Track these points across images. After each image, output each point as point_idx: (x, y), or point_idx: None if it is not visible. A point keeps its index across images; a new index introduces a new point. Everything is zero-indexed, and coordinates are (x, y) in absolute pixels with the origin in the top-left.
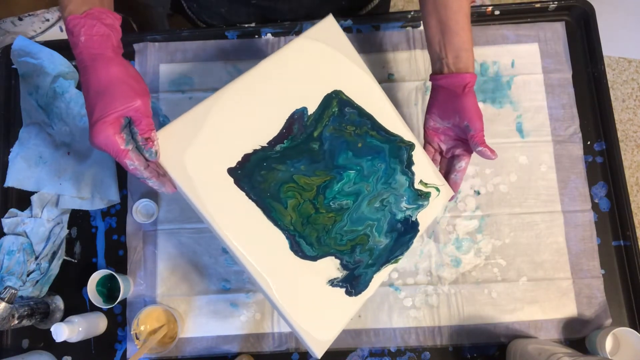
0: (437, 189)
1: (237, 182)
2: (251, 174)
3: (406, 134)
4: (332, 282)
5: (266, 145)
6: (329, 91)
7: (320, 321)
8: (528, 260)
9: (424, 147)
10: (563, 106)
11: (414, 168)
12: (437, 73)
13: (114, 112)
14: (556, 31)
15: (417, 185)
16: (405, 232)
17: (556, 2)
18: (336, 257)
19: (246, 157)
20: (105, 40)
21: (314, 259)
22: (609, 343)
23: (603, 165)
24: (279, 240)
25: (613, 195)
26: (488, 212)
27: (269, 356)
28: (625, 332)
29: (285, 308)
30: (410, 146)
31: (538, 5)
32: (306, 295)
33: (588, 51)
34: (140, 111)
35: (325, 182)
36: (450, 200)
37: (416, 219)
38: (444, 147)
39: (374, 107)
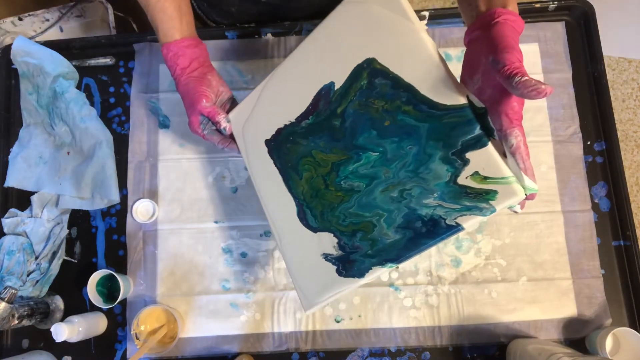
0: (508, 181)
1: (270, 152)
2: (280, 146)
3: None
4: (326, 257)
5: (294, 120)
6: (359, 62)
7: (313, 284)
8: (528, 260)
9: None
10: (563, 106)
11: (475, 154)
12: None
13: (191, 112)
14: (556, 31)
15: (465, 181)
16: (427, 235)
17: (556, 2)
18: (334, 236)
19: (279, 131)
20: (179, 61)
21: (314, 230)
22: (609, 343)
23: (603, 165)
24: (290, 205)
25: (613, 195)
26: None
27: (269, 356)
28: (625, 332)
29: (288, 260)
30: (477, 119)
31: (538, 5)
32: (304, 258)
33: (588, 51)
34: (203, 110)
35: (340, 161)
36: (528, 199)
37: (455, 223)
38: None
39: (425, 74)
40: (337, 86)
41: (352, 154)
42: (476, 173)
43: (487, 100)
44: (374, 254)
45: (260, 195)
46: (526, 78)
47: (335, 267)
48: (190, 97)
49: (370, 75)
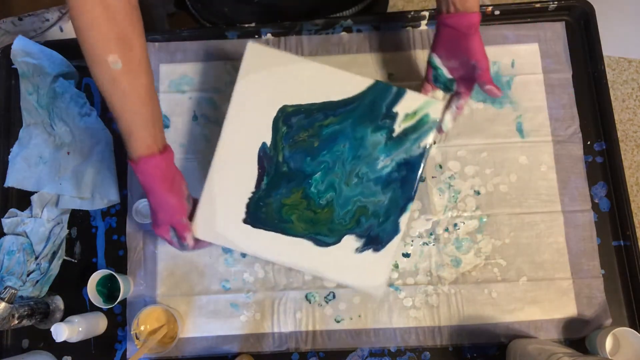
0: (429, 103)
1: (253, 225)
2: (257, 215)
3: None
4: (357, 250)
5: (254, 189)
6: (274, 115)
7: (367, 276)
8: (528, 260)
9: (423, 86)
10: (563, 106)
11: (400, 106)
12: (442, 12)
13: (164, 224)
14: (556, 31)
15: (400, 128)
16: (408, 172)
17: (556, 2)
18: (350, 234)
19: (248, 206)
20: (160, 176)
21: (335, 243)
22: (609, 343)
23: (603, 165)
24: (304, 244)
25: (613, 195)
26: (488, 212)
27: (269, 356)
28: (625, 332)
29: (339, 280)
30: (387, 88)
31: (538, 5)
32: (346, 266)
33: (588, 51)
34: (176, 224)
35: (303, 193)
36: (439, 132)
37: (419, 147)
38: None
39: (329, 87)
40: (268, 143)
41: (304, 185)
42: (406, 115)
43: (457, 76)
44: (385, 218)
45: (284, 263)
46: (489, 87)
47: (370, 250)
48: (166, 210)
49: (285, 120)
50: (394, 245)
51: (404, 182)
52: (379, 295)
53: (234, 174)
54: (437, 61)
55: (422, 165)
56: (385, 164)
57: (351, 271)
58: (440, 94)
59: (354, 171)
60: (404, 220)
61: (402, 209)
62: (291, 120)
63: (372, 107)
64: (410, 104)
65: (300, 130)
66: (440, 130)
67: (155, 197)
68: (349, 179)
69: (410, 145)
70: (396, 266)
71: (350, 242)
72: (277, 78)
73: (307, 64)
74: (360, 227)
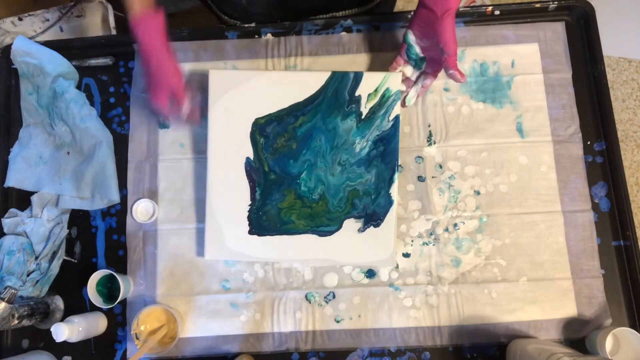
0: (387, 77)
1: (259, 234)
2: (259, 224)
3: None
4: (360, 230)
5: (251, 201)
6: (250, 130)
7: (375, 251)
8: (528, 260)
9: (395, 59)
10: (563, 106)
11: (361, 88)
12: None
13: (162, 89)
14: (556, 31)
15: (366, 109)
16: (386, 146)
17: (556, 2)
18: (348, 217)
19: (249, 218)
20: (162, 30)
21: (338, 229)
22: (609, 343)
23: (603, 165)
24: (309, 238)
25: (613, 195)
26: (488, 212)
27: (269, 356)
28: (625, 332)
29: (350, 262)
30: (344, 75)
31: (538, 5)
32: (354, 247)
33: (588, 51)
34: (176, 87)
35: (296, 194)
36: (402, 97)
37: (389, 120)
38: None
39: (292, 90)
40: (252, 157)
41: (294, 186)
42: (369, 95)
43: (427, 56)
44: (376, 194)
45: (296, 261)
46: (452, 72)
47: (371, 227)
48: (167, 71)
49: (261, 131)
50: (392, 216)
51: (384, 155)
52: (392, 266)
53: (228, 193)
54: (411, 38)
55: (397, 134)
56: (362, 145)
57: (359, 251)
58: (409, 69)
59: (335, 161)
60: (394, 190)
61: (390, 181)
62: (266, 131)
63: (336, 97)
64: (370, 84)
65: (277, 137)
66: (403, 104)
67: (158, 56)
68: (333, 169)
69: (380, 122)
70: (396, 266)
71: (351, 224)
72: (244, 96)
73: (266, 75)
74: (356, 209)
